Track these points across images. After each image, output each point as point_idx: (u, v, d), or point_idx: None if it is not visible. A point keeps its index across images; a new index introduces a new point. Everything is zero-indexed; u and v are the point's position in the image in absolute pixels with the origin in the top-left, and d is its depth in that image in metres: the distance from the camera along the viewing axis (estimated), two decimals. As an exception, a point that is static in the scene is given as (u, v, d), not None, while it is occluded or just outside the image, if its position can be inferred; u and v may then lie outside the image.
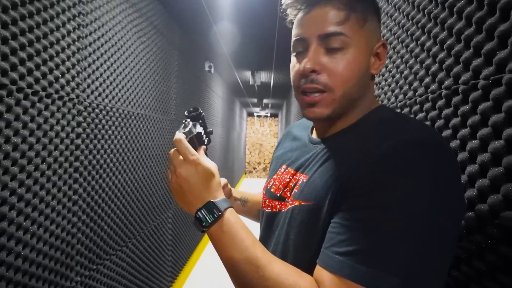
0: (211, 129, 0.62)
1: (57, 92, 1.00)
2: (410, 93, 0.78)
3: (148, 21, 1.76)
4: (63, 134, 1.03)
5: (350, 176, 0.40)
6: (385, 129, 0.42)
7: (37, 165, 0.92)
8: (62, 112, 1.03)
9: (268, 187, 0.58)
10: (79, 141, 1.12)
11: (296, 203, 0.47)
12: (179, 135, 0.48)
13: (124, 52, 1.47)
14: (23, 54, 0.85)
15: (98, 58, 1.25)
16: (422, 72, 0.72)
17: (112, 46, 1.36)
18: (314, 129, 0.55)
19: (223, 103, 4.69)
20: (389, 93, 0.93)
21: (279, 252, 0.49)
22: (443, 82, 0.63)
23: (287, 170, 0.55)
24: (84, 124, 1.16)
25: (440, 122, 0.63)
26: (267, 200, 0.57)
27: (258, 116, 9.88)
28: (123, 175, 1.48)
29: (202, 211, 0.44)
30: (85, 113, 1.16)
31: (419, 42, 0.74)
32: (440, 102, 0.63)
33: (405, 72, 0.81)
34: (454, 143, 0.57)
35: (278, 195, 0.53)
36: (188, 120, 0.57)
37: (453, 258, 0.53)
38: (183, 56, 2.46)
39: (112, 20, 1.36)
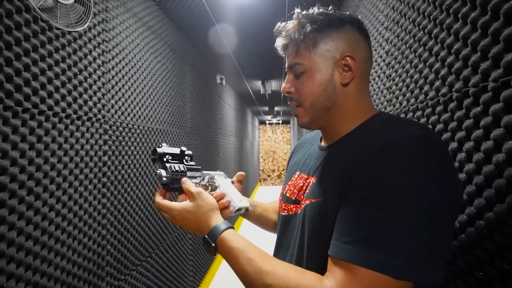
0: (180, 149, 0.66)
1: (86, 114, 1.08)
2: (421, 97, 0.80)
3: (163, 41, 1.86)
4: (92, 153, 1.11)
5: (352, 173, 0.44)
6: (379, 129, 0.48)
7: (71, 183, 0.99)
8: (91, 132, 1.11)
9: (284, 193, 0.63)
10: (105, 158, 1.20)
11: (308, 202, 0.53)
12: (157, 197, 0.61)
13: (142, 72, 1.57)
14: (57, 83, 0.94)
15: (120, 80, 1.34)
16: (432, 76, 0.74)
17: (132, 67, 1.46)
18: (322, 138, 0.62)
19: (235, 113, 4.78)
20: (400, 97, 0.94)
21: (295, 250, 0.54)
22: (453, 85, 0.64)
23: (300, 175, 0.61)
24: (110, 142, 1.24)
25: (453, 124, 0.64)
26: (283, 204, 0.62)
27: (270, 124, 9.93)
28: (146, 188, 1.55)
29: (205, 243, 0.53)
30: (110, 132, 1.24)
31: (427, 47, 0.76)
32: (452, 105, 0.65)
33: (415, 76, 0.83)
34: (468, 144, 0.59)
35: (293, 198, 0.59)
36: (156, 170, 0.63)
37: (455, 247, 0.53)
38: (195, 70, 2.56)
39: (131, 44, 1.46)
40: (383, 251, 0.37)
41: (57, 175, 0.93)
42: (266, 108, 6.73)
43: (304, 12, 0.54)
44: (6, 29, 0.76)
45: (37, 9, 0.85)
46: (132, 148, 1.43)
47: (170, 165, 0.63)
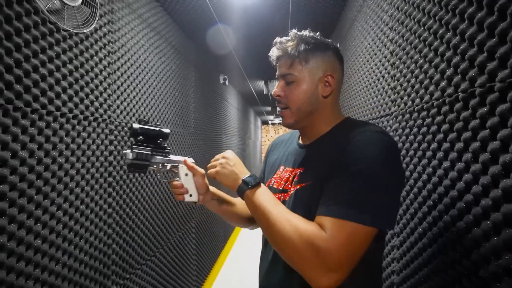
0: (157, 128, 0.70)
1: (92, 114, 1.09)
2: (426, 97, 0.80)
3: (167, 41, 1.88)
4: (98, 152, 1.12)
5: (334, 160, 0.59)
6: (351, 129, 0.62)
7: (78, 182, 1.01)
8: (97, 132, 1.12)
9: (270, 185, 0.75)
10: (111, 158, 1.21)
11: (298, 187, 0.65)
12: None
13: (147, 73, 1.58)
14: (65, 84, 0.95)
15: (125, 81, 1.35)
16: (437, 76, 0.74)
17: (137, 68, 1.47)
18: (300, 138, 0.76)
19: (238, 113, 4.78)
20: (405, 97, 0.94)
21: None
22: (459, 85, 0.64)
23: (285, 169, 0.73)
24: (115, 142, 1.25)
25: (459, 125, 0.64)
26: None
27: (273, 124, 9.93)
28: (150, 188, 1.57)
29: (248, 178, 0.64)
30: (115, 132, 1.25)
31: (432, 47, 0.76)
32: (458, 105, 0.65)
33: (421, 77, 0.83)
34: (474, 145, 0.59)
35: (281, 188, 0.70)
36: (123, 150, 0.69)
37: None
38: (199, 71, 2.57)
39: (136, 44, 1.47)
40: (358, 208, 0.53)
41: (65, 174, 0.94)
42: (269, 108, 6.73)
43: (300, 33, 0.68)
44: (15, 31, 0.77)
45: (45, 11, 0.86)
46: (137, 148, 1.44)
47: (138, 148, 0.67)
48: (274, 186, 0.72)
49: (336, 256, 0.51)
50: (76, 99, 1.00)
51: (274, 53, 0.69)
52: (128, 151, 0.67)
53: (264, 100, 5.45)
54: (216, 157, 0.71)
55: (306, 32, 0.68)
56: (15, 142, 0.77)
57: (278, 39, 0.69)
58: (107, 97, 1.20)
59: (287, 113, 0.69)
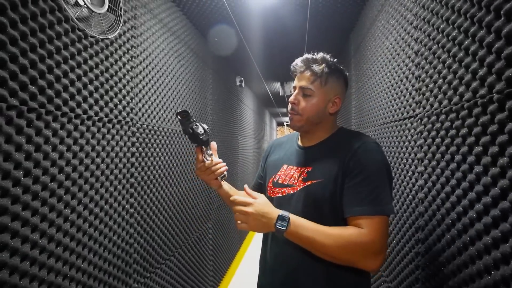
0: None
1: (116, 117, 1.13)
2: (455, 98, 0.76)
3: (186, 45, 1.91)
4: (121, 154, 1.16)
5: (345, 164, 0.74)
6: (352, 138, 0.80)
7: (102, 183, 1.04)
8: (120, 134, 1.16)
9: (275, 180, 0.88)
10: (133, 159, 1.25)
11: (309, 183, 0.79)
12: (235, 197, 0.74)
13: (167, 76, 1.62)
14: (92, 88, 0.99)
15: (146, 84, 1.39)
16: (468, 77, 0.70)
17: (158, 71, 1.51)
18: (300, 141, 0.89)
19: (254, 115, 4.80)
20: (431, 99, 0.90)
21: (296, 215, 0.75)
22: (493, 86, 0.61)
23: (289, 167, 0.86)
24: (137, 144, 1.29)
25: (493, 127, 0.60)
26: (277, 189, 0.86)
27: (288, 125, 9.87)
28: (169, 189, 1.60)
29: (279, 223, 0.69)
30: (137, 134, 1.29)
31: (462, 46, 0.72)
32: (492, 107, 0.61)
33: (449, 77, 0.79)
34: (511, 149, 0.55)
35: (286, 183, 0.84)
36: (193, 125, 0.83)
37: None
38: (216, 73, 2.60)
39: (157, 49, 1.51)
40: (379, 205, 0.70)
41: (90, 175, 0.98)
42: (284, 110, 6.70)
43: (325, 56, 0.82)
44: (48, 39, 0.81)
45: (75, 19, 0.91)
46: (158, 149, 1.48)
47: (203, 126, 0.84)
48: (280, 181, 0.86)
49: (378, 243, 0.68)
50: (101, 103, 1.04)
51: (298, 65, 0.82)
52: (200, 125, 0.83)
53: (279, 101, 5.43)
54: (238, 208, 0.71)
55: (328, 56, 0.83)
56: (46, 144, 0.81)
57: (306, 55, 0.83)
58: (130, 100, 1.23)
59: (298, 118, 0.82)
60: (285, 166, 0.88)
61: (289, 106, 0.84)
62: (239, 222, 0.71)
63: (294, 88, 0.84)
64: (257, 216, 0.69)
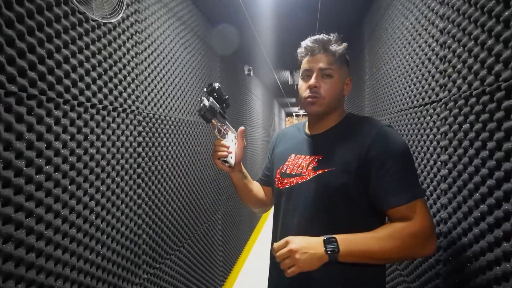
0: (226, 96, 0.85)
1: (121, 105, 1.10)
2: (490, 79, 0.68)
3: (192, 31, 1.85)
4: (127, 144, 1.13)
5: (366, 153, 0.71)
6: (364, 123, 0.77)
7: (109, 173, 1.02)
8: (126, 123, 1.13)
9: (283, 171, 0.84)
10: (140, 149, 1.22)
11: (320, 172, 0.75)
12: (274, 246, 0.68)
13: (173, 63, 1.56)
14: (94, 74, 0.95)
15: (152, 71, 1.34)
16: (507, 53, 0.62)
17: (164, 58, 1.46)
18: (307, 129, 0.86)
19: (263, 105, 4.72)
20: (459, 81, 0.82)
21: (308, 206, 0.76)
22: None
23: (297, 156, 0.83)
24: (144, 133, 1.25)
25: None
26: (285, 179, 0.82)
27: (297, 115, 9.74)
28: (178, 179, 1.57)
29: (327, 247, 0.65)
30: (144, 123, 1.26)
31: (501, 18, 0.64)
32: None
33: (482, 55, 0.71)
34: None
35: (294, 173, 0.80)
36: (202, 97, 0.78)
37: None
38: (224, 61, 2.53)
39: (162, 34, 1.46)
40: (414, 187, 0.69)
41: (96, 165, 0.96)
42: (293, 100, 6.58)
43: (338, 36, 0.80)
44: (47, 22, 0.77)
45: (75, 1, 0.86)
46: (165, 139, 1.45)
47: (211, 102, 0.80)
48: (288, 172, 0.82)
49: (428, 228, 0.67)
50: (105, 90, 1.01)
51: (312, 46, 0.78)
52: (205, 99, 0.79)
53: (289, 91, 5.32)
54: (282, 253, 0.65)
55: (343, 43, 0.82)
56: (49, 133, 0.78)
57: (318, 36, 0.79)
58: (135, 88, 1.19)
59: (321, 102, 0.77)
60: (293, 155, 0.84)
61: (307, 91, 0.78)
62: (288, 270, 0.64)
63: (309, 70, 0.78)
64: (302, 249, 0.64)
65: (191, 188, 1.75)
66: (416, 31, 1.15)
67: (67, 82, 0.84)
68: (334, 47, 0.77)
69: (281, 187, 0.83)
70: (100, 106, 0.98)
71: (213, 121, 0.82)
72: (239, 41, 2.58)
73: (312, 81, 0.76)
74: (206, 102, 0.78)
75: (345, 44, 0.79)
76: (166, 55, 1.49)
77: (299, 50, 0.82)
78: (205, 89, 0.82)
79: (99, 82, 0.98)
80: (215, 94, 0.82)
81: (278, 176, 0.86)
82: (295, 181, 0.79)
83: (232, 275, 2.56)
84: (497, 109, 0.66)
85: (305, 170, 0.78)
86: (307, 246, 0.64)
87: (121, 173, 1.09)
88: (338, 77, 0.78)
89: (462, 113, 0.80)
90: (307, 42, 0.79)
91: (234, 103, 2.88)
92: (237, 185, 0.91)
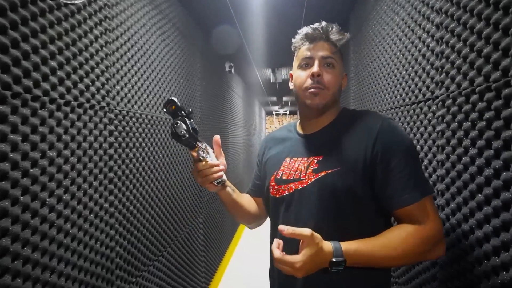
0: (190, 110, 0.72)
1: (88, 101, 0.95)
2: (496, 74, 0.64)
3: (171, 23, 1.71)
4: (96, 145, 0.99)
5: (371, 149, 0.65)
6: (365, 117, 0.71)
7: (73, 179, 0.87)
8: (94, 121, 0.98)
9: (278, 177, 0.75)
10: (112, 151, 1.08)
11: (322, 173, 0.68)
12: (277, 253, 0.59)
13: (150, 56, 1.42)
14: (53, 63, 0.80)
15: (125, 64, 1.20)
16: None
17: (138, 50, 1.32)
18: (300, 129, 0.79)
19: (244, 104, 4.62)
20: (458, 77, 0.79)
21: (313, 214, 0.68)
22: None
23: (293, 159, 0.75)
24: (116, 133, 1.11)
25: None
26: (282, 186, 0.74)
27: (277, 114, 9.75)
28: (155, 183, 1.44)
29: (333, 269, 0.59)
30: (116, 122, 1.12)
31: (511, 9, 0.60)
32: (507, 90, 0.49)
33: (486, 50, 0.67)
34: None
35: (291, 178, 0.72)
36: (176, 120, 0.67)
37: None
38: (205, 57, 2.40)
39: (137, 23, 1.31)
40: (423, 184, 0.64)
41: (57, 171, 0.81)
42: (274, 98, 6.55)
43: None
44: (-13, -5, 0.62)
45: (26, -27, 0.71)
46: (141, 139, 1.31)
47: (190, 122, 0.68)
48: (284, 177, 0.74)
49: (437, 229, 0.63)
50: (68, 82, 0.86)
51: (313, 33, 0.72)
52: (181, 122, 0.67)
53: (270, 89, 5.27)
54: (285, 269, 0.59)
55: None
56: (-8, 133, 0.63)
57: (319, 24, 0.73)
58: (105, 81, 1.05)
59: (325, 93, 0.71)
60: (287, 159, 0.76)
61: (308, 80, 0.71)
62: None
63: (310, 58, 0.72)
64: (307, 271, 0.58)
65: (170, 192, 1.62)
66: (408, 27, 1.11)
67: (17, 71, 0.69)
68: (336, 36, 0.72)
69: (277, 196, 0.75)
70: (61, 101, 0.83)
71: (199, 144, 0.71)
72: (221, 36, 2.46)
73: (315, 68, 0.69)
74: (186, 125, 0.67)
75: (347, 34, 0.74)
76: (142, 46, 1.34)
77: (295, 39, 0.75)
78: (165, 110, 0.69)
79: (60, 73, 0.83)
80: (183, 111, 0.70)
81: (273, 183, 0.77)
82: (294, 187, 0.71)
83: (214, 279, 2.45)
84: (504, 106, 0.62)
85: (304, 174, 0.70)
86: (314, 267, 0.59)
87: (89, 179, 0.95)
88: (339, 68, 0.73)
89: (463, 110, 0.77)
90: (307, 29, 0.73)
91: (215, 101, 2.75)
92: (227, 202, 0.81)
